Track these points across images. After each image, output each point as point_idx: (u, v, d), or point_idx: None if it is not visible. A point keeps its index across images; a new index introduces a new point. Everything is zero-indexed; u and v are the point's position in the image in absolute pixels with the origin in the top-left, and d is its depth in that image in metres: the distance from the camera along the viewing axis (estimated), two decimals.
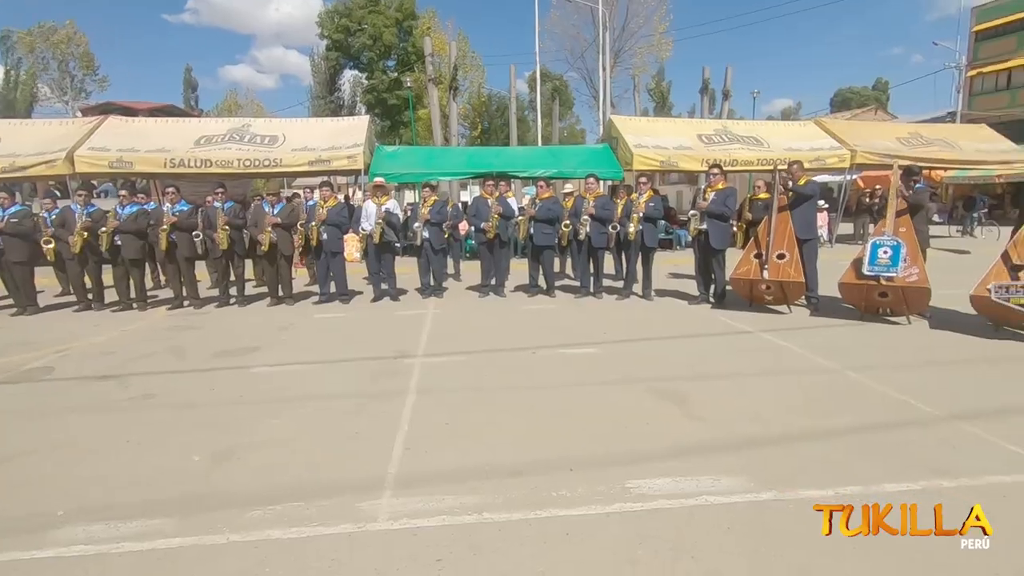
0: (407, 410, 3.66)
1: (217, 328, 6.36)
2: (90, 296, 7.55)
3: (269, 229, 7.21)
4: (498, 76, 75.72)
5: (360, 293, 8.31)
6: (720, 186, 6.58)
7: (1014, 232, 5.17)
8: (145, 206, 7.80)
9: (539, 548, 2.19)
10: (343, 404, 3.79)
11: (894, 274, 5.43)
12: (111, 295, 7.68)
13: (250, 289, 8.68)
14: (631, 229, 7.04)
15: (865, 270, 5.57)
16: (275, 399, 3.93)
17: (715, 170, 6.73)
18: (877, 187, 12.09)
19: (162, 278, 9.02)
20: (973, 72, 26.02)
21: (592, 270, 7.64)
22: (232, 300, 7.75)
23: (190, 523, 2.41)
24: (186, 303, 7.57)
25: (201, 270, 9.01)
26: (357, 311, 7.19)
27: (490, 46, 79.70)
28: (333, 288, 7.71)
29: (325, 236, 7.27)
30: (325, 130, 12.89)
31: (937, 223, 20.33)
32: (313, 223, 7.29)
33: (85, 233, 7.10)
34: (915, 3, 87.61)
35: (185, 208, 7.31)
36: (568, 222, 7.41)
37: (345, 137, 12.30)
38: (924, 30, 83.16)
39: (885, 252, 5.49)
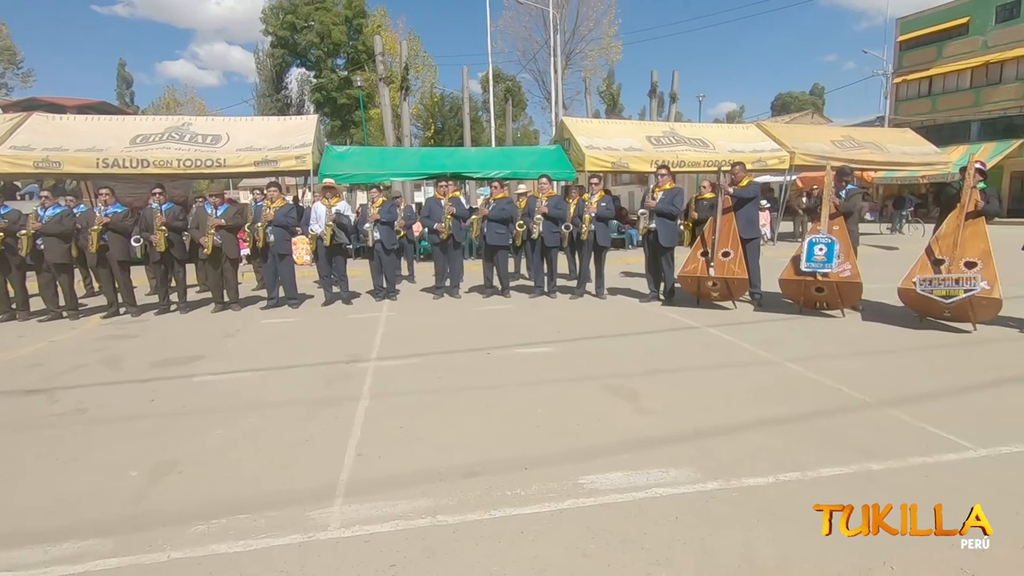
0: (360, 415, 3.59)
1: (157, 336, 6.07)
2: (14, 306, 7.06)
3: (212, 231, 6.93)
4: (451, 76, 75.44)
5: (311, 297, 8.11)
6: (668, 186, 6.78)
7: (936, 229, 5.55)
8: (74, 209, 7.36)
9: (493, 548, 2.20)
10: (293, 411, 3.69)
11: (829, 270, 5.73)
12: (37, 304, 7.21)
13: (193, 295, 8.32)
14: (584, 229, 7.15)
15: (803, 267, 5.86)
16: (220, 408, 3.79)
17: (663, 171, 6.92)
18: (814, 187, 12.72)
19: (95, 284, 8.53)
20: (899, 79, 27.72)
21: (546, 270, 7.72)
22: (173, 307, 7.41)
23: (127, 542, 2.29)
24: (122, 311, 7.18)
25: (140, 276, 8.59)
26: (307, 315, 7.01)
27: (442, 46, 79.27)
28: (282, 292, 7.49)
29: (272, 238, 7.06)
30: (272, 129, 12.48)
31: (869, 221, 21.59)
32: (259, 224, 7.06)
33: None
34: (846, 13, 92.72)
35: (119, 210, 6.93)
36: (522, 222, 7.46)
37: (293, 137, 11.95)
38: (855, 39, 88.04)
39: (821, 249, 5.78)
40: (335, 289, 7.74)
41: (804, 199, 6.82)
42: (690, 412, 3.51)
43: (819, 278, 5.79)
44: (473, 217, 7.77)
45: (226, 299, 7.38)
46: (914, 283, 5.23)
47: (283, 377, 4.52)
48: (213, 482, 2.78)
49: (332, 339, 5.73)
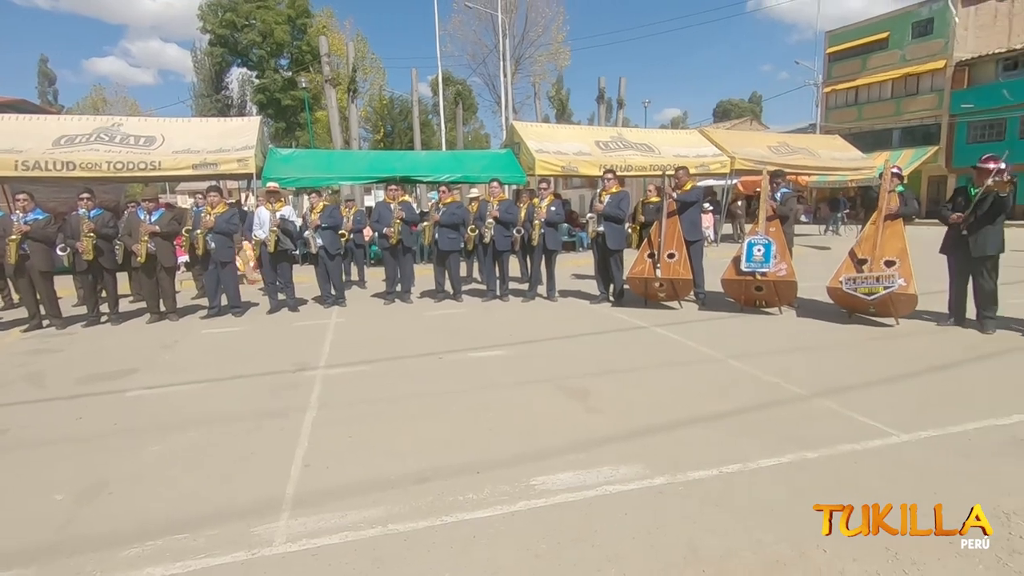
0: (307, 425, 3.50)
1: (85, 350, 5.71)
2: None
3: (146, 238, 6.58)
4: (400, 79, 74.31)
5: (255, 305, 7.83)
6: (614, 190, 6.94)
7: (861, 230, 5.92)
8: None
9: (445, 554, 2.19)
10: (235, 424, 3.55)
11: (767, 270, 6.01)
12: None
13: (127, 305, 7.88)
14: (534, 233, 7.22)
15: (743, 267, 6.12)
16: (155, 425, 3.60)
17: (609, 175, 7.08)
18: (758, 190, 13.34)
19: (14, 296, 7.94)
20: (828, 89, 29.42)
21: (498, 273, 7.74)
22: (103, 318, 6.98)
23: (52, 571, 2.14)
24: (46, 323, 6.71)
25: (67, 285, 8.05)
26: (251, 324, 6.76)
27: (391, 48, 78.43)
28: (225, 301, 7.19)
29: (213, 245, 6.77)
30: (211, 131, 11.97)
31: (804, 223, 22.79)
32: (199, 231, 6.76)
33: None
34: (779, 26, 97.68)
35: (41, 217, 6.49)
36: (473, 226, 7.46)
37: (234, 139, 11.50)
38: (789, 50, 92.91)
39: (759, 250, 6.06)
40: (281, 296, 7.50)
41: (740, 203, 7.14)
42: (639, 410, 3.60)
43: (758, 277, 6.06)
44: (425, 223, 7.71)
45: (163, 309, 7.02)
46: (841, 282, 5.56)
47: (225, 389, 4.34)
48: (147, 502, 2.64)
49: (278, 348, 5.55)
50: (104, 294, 6.96)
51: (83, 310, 7.17)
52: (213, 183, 9.96)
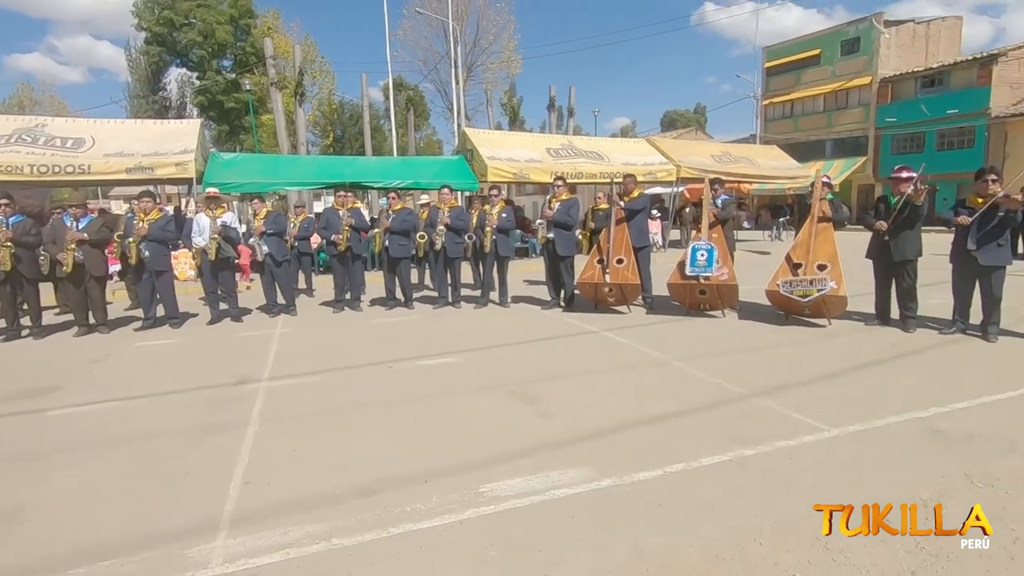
0: (248, 441, 3.36)
1: (2, 366, 5.30)
2: None
3: (72, 246, 6.19)
4: (351, 83, 73.29)
5: (195, 316, 7.48)
6: (564, 197, 7.04)
7: (796, 236, 6.23)
8: None
9: (391, 566, 2.15)
10: (169, 442, 3.38)
11: (710, 274, 6.23)
12: None
13: (52, 318, 7.38)
14: (486, 240, 7.23)
15: (687, 271, 6.32)
16: (81, 445, 3.38)
17: (559, 182, 7.19)
18: (702, 197, 13.85)
19: None
20: (767, 101, 30.90)
21: (449, 280, 7.70)
22: (25, 332, 6.51)
23: None
24: None
25: None
26: (191, 336, 6.46)
27: (340, 52, 76.90)
28: (161, 312, 6.84)
29: (147, 253, 6.44)
30: (148, 133, 11.39)
31: (747, 228, 23.79)
32: (131, 239, 6.41)
33: None
34: (721, 40, 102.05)
35: None
36: (423, 233, 7.40)
37: (172, 142, 10.98)
38: (730, 63, 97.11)
39: (702, 255, 6.28)
40: (223, 306, 7.20)
41: (689, 209, 7.40)
42: (588, 414, 3.65)
43: (702, 281, 6.28)
44: (376, 230, 7.59)
45: (92, 321, 6.61)
46: (778, 285, 5.83)
47: (159, 405, 4.12)
48: (70, 528, 2.47)
49: (219, 360, 5.32)
50: (26, 307, 6.49)
51: (1, 324, 6.65)
52: (147, 188, 9.49)
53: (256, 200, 7.51)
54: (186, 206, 14.38)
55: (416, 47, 32.78)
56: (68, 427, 3.70)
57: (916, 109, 24.53)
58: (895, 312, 5.70)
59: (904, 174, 5.35)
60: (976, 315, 5.26)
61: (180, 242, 9.66)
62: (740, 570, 2.08)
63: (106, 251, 6.81)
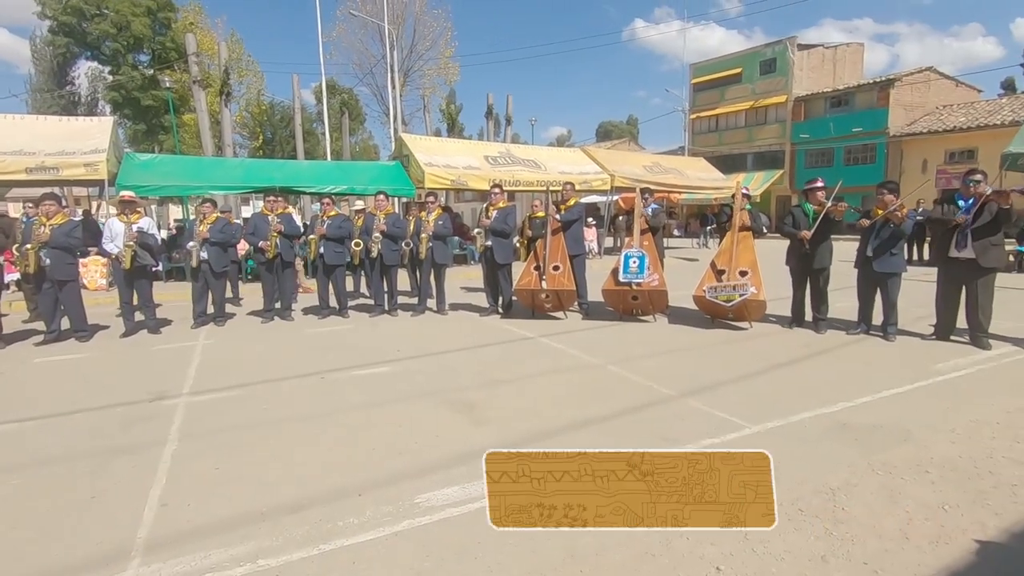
0: (165, 460, 3.15)
1: None
2: None
3: None
4: (281, 84, 70.70)
5: (106, 328, 6.94)
6: (501, 204, 7.10)
7: (720, 243, 6.58)
8: None
9: None
10: (74, 466, 3.11)
11: (642, 280, 6.46)
12: None
13: None
14: (422, 248, 7.16)
15: (620, 278, 6.53)
16: None
17: (496, 189, 7.24)
18: (633, 208, 14.36)
19: None
20: (694, 116, 32.52)
21: (386, 288, 7.56)
22: None
23: None
24: None
25: None
26: (101, 350, 5.99)
27: (270, 53, 74.24)
28: (66, 324, 6.30)
29: (48, 261, 5.91)
30: (52, 131, 10.49)
31: (676, 236, 24.85)
32: (29, 246, 5.87)
33: None
34: (651, 55, 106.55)
35: None
36: (359, 240, 7.23)
37: (81, 140, 10.17)
38: (660, 78, 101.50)
39: (634, 262, 6.50)
40: (139, 317, 6.72)
41: (622, 218, 7.66)
42: (524, 419, 3.69)
43: (634, 287, 6.49)
44: (311, 236, 7.33)
45: None
46: (704, 291, 6.13)
47: (62, 426, 3.78)
48: None
49: (133, 375, 4.96)
50: None
51: None
52: (50, 190, 8.76)
53: (208, 204, 7.05)
54: (97, 209, 13.36)
55: (351, 49, 32.09)
56: None
57: (826, 127, 26.59)
58: (808, 315, 6.13)
59: (818, 184, 5.81)
60: (878, 317, 5.74)
61: (90, 249, 8.96)
62: (668, 565, 2.16)
63: (1, 258, 6.21)
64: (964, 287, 5.30)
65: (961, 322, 5.44)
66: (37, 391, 4.58)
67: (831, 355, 5.19)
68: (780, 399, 3.96)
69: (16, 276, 8.40)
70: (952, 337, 5.49)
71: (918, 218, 6.17)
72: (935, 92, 25.80)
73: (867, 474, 2.83)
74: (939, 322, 5.53)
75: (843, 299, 6.77)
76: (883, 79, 25.69)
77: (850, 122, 25.76)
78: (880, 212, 5.46)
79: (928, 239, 11.22)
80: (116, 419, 3.84)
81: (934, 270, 5.72)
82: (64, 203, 8.03)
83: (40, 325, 6.56)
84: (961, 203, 5.24)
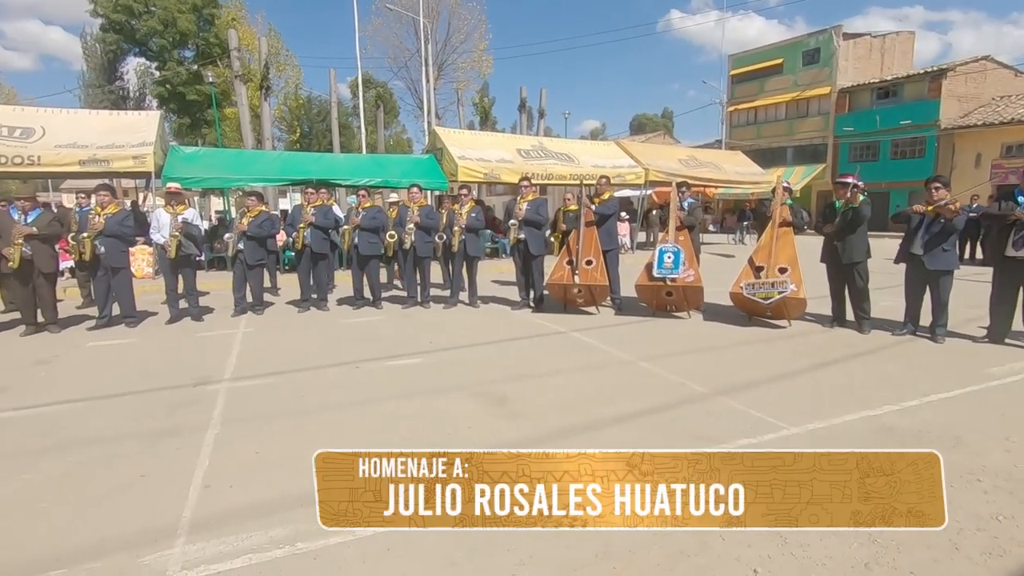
0: (208, 444, 3.27)
1: None
2: None
3: (20, 241, 5.90)
4: (318, 78, 72.01)
5: (154, 315, 7.22)
6: (531, 197, 7.08)
7: (758, 240, 6.42)
8: None
9: (357, 569, 2.12)
10: (123, 446, 3.25)
11: (676, 276, 6.35)
12: None
13: None
14: (454, 240, 7.20)
15: (654, 273, 6.43)
16: (25, 450, 3.22)
17: (525, 182, 7.23)
18: (667, 202, 14.13)
19: None
20: (732, 108, 31.70)
21: (419, 279, 7.64)
22: None
23: None
24: None
25: None
26: (148, 336, 6.23)
27: (308, 47, 75.64)
28: (117, 310, 6.57)
29: (103, 249, 6.17)
30: (103, 125, 10.95)
31: (712, 232, 24.35)
32: (85, 234, 6.14)
33: None
34: (689, 47, 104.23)
35: None
36: (393, 232, 7.32)
37: (129, 134, 10.58)
38: (696, 70, 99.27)
39: (669, 257, 6.40)
40: (183, 305, 6.96)
41: (655, 212, 7.54)
42: (556, 413, 3.68)
43: (668, 283, 6.39)
44: (345, 227, 7.46)
45: (40, 320, 6.30)
46: (741, 288, 5.99)
47: (113, 407, 3.96)
48: (16, 537, 2.35)
49: (177, 361, 5.15)
50: None
51: None
52: (103, 181, 9.12)
53: (253, 198, 7.23)
54: (143, 200, 13.89)
55: (386, 44, 32.38)
56: (12, 431, 3.53)
57: (871, 119, 25.55)
58: (850, 314, 5.92)
59: (849, 180, 5.60)
60: (926, 318, 5.51)
61: (138, 238, 9.31)
62: (703, 565, 2.13)
63: (57, 247, 6.51)
64: (1021, 288, 5.04)
65: (1017, 324, 5.17)
66: (90, 374, 4.80)
67: (875, 356, 5.00)
68: (821, 400, 3.85)
69: (71, 264, 8.80)
70: (1007, 340, 5.22)
71: (971, 214, 5.88)
72: (991, 82, 24.45)
73: None
74: (993, 324, 5.27)
75: (888, 298, 6.52)
76: (935, 69, 24.48)
77: (898, 114, 24.67)
78: (930, 208, 5.22)
79: (982, 237, 10.71)
80: (163, 402, 4.00)
81: (987, 269, 5.44)
82: (117, 193, 8.35)
83: (92, 311, 6.88)
84: (1021, 199, 4.96)
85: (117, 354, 5.45)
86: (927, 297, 5.42)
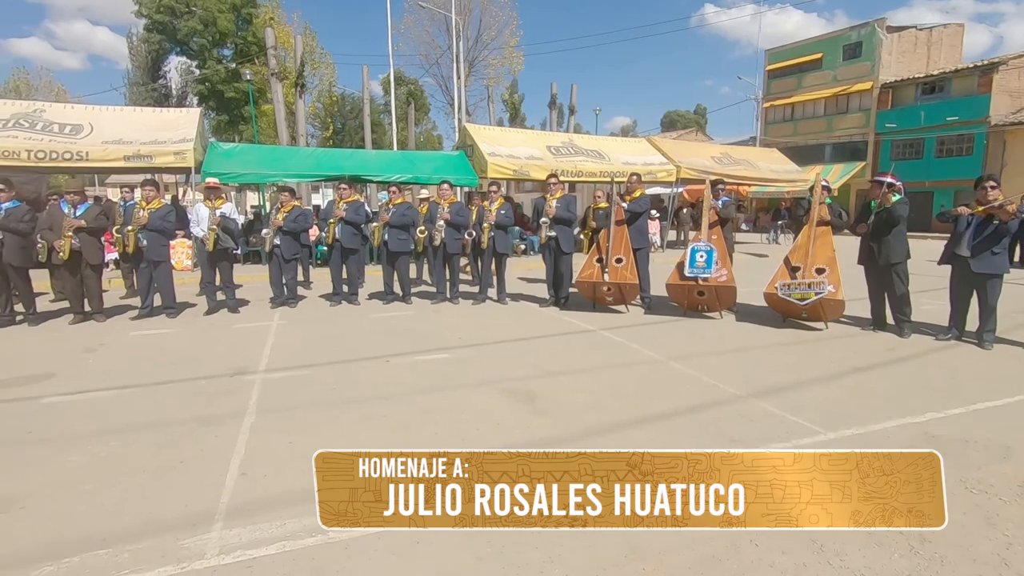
0: (244, 432, 3.35)
1: None
2: None
3: (69, 233, 6.15)
4: (351, 76, 73.07)
5: (192, 306, 7.45)
6: (559, 194, 7.04)
7: (794, 239, 6.25)
8: None
9: (387, 560, 2.15)
10: (164, 432, 3.37)
11: (709, 275, 6.24)
12: None
13: (47, 304, 7.35)
14: (484, 236, 7.21)
15: (686, 272, 6.33)
16: (73, 434, 3.36)
17: (553, 179, 7.19)
18: (701, 199, 13.84)
19: None
20: (767, 104, 30.93)
21: (448, 276, 7.69)
22: (19, 318, 6.47)
23: None
24: None
25: None
26: (187, 326, 6.43)
27: (341, 44, 76.74)
28: (158, 302, 6.81)
29: (145, 242, 6.40)
30: (147, 121, 11.34)
31: (744, 231, 23.83)
32: (130, 227, 6.37)
33: None
34: (723, 42, 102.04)
35: None
36: (423, 228, 7.38)
37: (171, 130, 10.94)
38: (729, 66, 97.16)
39: (701, 256, 6.28)
40: (220, 297, 7.17)
41: (686, 210, 7.42)
42: (584, 411, 3.65)
43: (700, 283, 6.28)
44: (375, 223, 7.55)
45: (87, 309, 6.58)
46: (776, 288, 5.84)
47: (154, 395, 4.10)
48: (63, 517, 2.46)
49: (214, 351, 5.30)
50: (19, 292, 6.45)
51: None
52: (148, 177, 9.45)
53: (286, 193, 7.39)
54: (183, 195, 14.32)
55: (418, 41, 32.65)
56: (62, 415, 3.69)
57: (915, 116, 24.59)
58: (890, 317, 5.72)
59: (887, 179, 5.41)
60: (972, 323, 5.28)
61: (178, 232, 9.61)
62: (735, 570, 2.09)
63: (103, 239, 6.77)
64: None
65: None
66: (134, 362, 4.98)
67: (917, 361, 4.82)
68: (859, 405, 3.73)
69: (115, 256, 9.15)
70: None
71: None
72: None
73: (959, 492, 2.61)
74: None
75: (932, 301, 6.29)
76: (986, 63, 23.40)
77: (945, 110, 23.67)
78: (980, 208, 5.00)
79: None
80: (201, 391, 4.12)
81: None
82: (160, 188, 8.65)
83: (135, 301, 7.13)
84: None
85: (159, 343, 5.64)
86: (974, 301, 5.20)
